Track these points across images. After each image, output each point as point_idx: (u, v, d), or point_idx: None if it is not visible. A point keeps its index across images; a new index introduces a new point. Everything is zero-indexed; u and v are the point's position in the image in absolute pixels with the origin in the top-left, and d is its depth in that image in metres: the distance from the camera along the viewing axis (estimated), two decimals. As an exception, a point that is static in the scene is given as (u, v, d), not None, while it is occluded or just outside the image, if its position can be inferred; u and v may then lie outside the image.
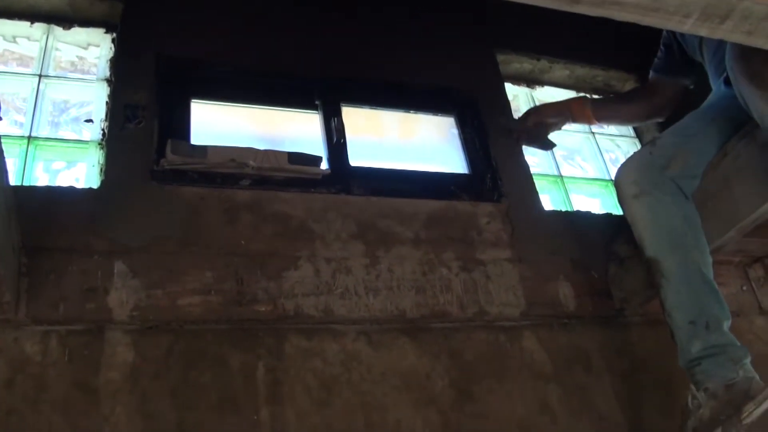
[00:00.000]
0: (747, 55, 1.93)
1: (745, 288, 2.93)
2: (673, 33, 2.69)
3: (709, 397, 2.00)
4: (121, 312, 2.04)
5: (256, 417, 1.99)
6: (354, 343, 2.23)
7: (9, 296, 1.86)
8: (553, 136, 2.97)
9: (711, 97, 2.52)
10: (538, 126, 2.93)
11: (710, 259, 2.22)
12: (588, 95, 3.21)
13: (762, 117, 2.02)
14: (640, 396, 2.49)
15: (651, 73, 2.89)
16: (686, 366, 2.11)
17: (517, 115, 3.16)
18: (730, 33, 1.54)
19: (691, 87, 2.82)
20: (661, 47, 2.80)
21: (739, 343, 2.08)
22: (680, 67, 2.76)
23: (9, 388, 1.86)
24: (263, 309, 2.17)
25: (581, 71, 3.52)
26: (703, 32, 1.52)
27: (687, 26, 1.48)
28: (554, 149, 3.09)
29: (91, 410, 1.89)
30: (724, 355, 2.04)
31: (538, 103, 3.45)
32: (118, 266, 2.11)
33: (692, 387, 2.07)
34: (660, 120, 2.99)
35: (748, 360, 2.04)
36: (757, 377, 2.00)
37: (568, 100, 3.01)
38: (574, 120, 2.95)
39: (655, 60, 2.84)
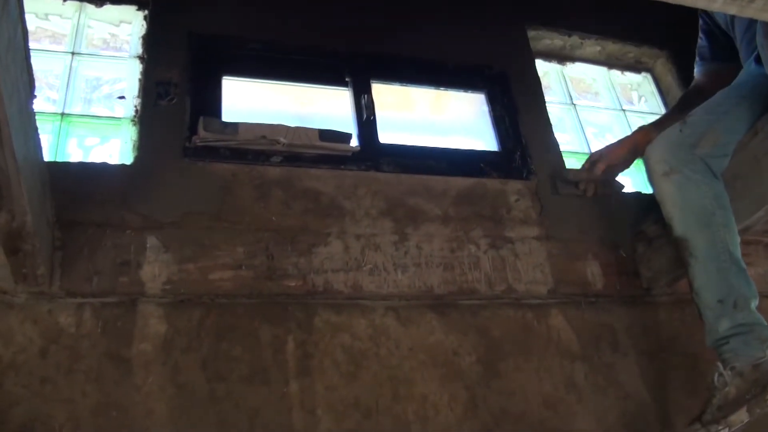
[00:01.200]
0: (779, 33, 1.91)
1: (774, 268, 2.91)
2: (709, 16, 2.65)
3: (736, 375, 2.01)
4: (153, 285, 2.08)
5: (285, 389, 2.04)
6: (382, 319, 2.25)
7: (43, 269, 1.90)
8: (582, 112, 2.93)
9: (742, 75, 2.49)
10: (607, 172, 2.77)
11: (738, 239, 2.21)
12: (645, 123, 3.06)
13: None
14: (666, 375, 2.50)
15: (700, 64, 2.82)
16: (714, 345, 2.12)
17: (547, 93, 3.15)
18: (761, 11, 1.53)
19: (732, 65, 2.75)
20: (702, 36, 2.75)
21: (767, 323, 2.07)
22: (730, 51, 2.70)
23: (43, 357, 1.92)
24: (293, 284, 2.20)
25: (613, 47, 3.49)
26: (733, 11, 1.51)
27: (717, 5, 1.47)
28: (585, 128, 3.07)
29: (123, 380, 1.94)
30: (752, 334, 2.04)
31: (569, 81, 3.43)
32: (151, 240, 2.15)
33: (719, 365, 2.07)
34: None
35: None
36: None
37: (631, 136, 2.81)
38: (636, 155, 2.76)
39: (699, 50, 2.78)
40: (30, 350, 1.92)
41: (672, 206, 2.29)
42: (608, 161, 2.72)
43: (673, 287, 2.60)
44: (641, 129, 2.80)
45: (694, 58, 2.86)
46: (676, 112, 2.75)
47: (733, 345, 2.05)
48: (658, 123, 2.77)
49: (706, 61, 2.80)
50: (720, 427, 2.02)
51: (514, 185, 2.71)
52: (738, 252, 2.18)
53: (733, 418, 2.00)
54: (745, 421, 2.00)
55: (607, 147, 2.78)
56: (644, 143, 2.58)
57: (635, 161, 2.78)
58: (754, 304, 2.10)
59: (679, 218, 2.26)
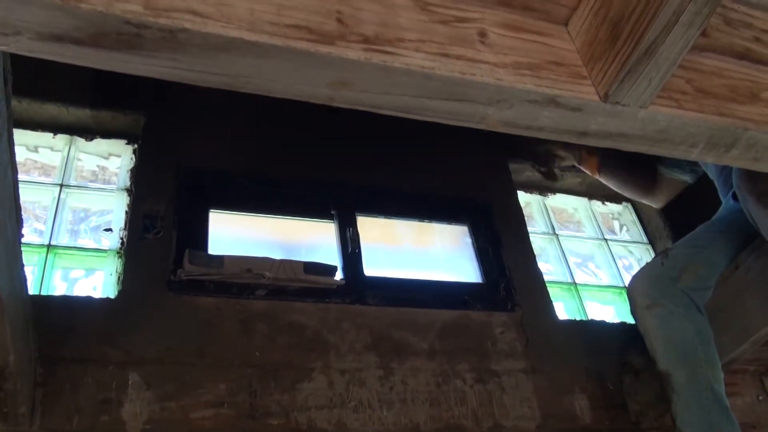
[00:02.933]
0: (754, 175, 1.97)
1: (761, 398, 2.90)
2: None
3: None
4: (134, 425, 2.04)
5: None
6: (367, 459, 2.21)
7: (24, 408, 1.87)
8: (564, 241, 2.98)
9: (721, 210, 2.56)
10: (548, 155, 2.97)
11: (722, 375, 2.21)
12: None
13: None
14: None
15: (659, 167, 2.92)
16: None
17: (529, 223, 3.20)
18: (736, 160, 1.58)
19: (691, 182, 2.84)
20: None
21: None
22: (681, 165, 2.78)
23: (22, 505, 1.85)
24: (276, 423, 2.16)
25: (592, 179, 3.56)
26: (710, 160, 1.56)
27: (694, 155, 1.52)
28: (568, 258, 3.10)
29: None
30: None
31: (551, 211, 3.49)
32: (133, 377, 2.12)
33: None
34: (654, 206, 2.99)
35: None
36: None
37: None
38: (580, 162, 2.96)
39: None
40: (6, 496, 1.86)
41: (655, 340, 2.30)
42: (550, 146, 3.01)
43: (661, 421, 2.57)
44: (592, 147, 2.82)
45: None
46: (624, 168, 3.01)
47: None
48: (607, 158, 3.00)
49: (660, 163, 2.88)
50: None
51: (498, 317, 2.71)
52: (721, 388, 2.18)
53: None
54: None
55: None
56: (586, 155, 2.97)
57: (571, 163, 3.09)
58: None
59: (661, 352, 2.27)
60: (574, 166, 3.07)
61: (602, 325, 2.94)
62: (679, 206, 3.24)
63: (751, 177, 2.04)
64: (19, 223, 1.77)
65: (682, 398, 2.18)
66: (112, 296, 2.31)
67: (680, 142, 1.50)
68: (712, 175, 2.61)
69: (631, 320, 2.83)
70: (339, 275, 2.61)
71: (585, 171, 3.02)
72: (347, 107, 1.17)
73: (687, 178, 2.81)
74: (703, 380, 2.17)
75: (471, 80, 1.18)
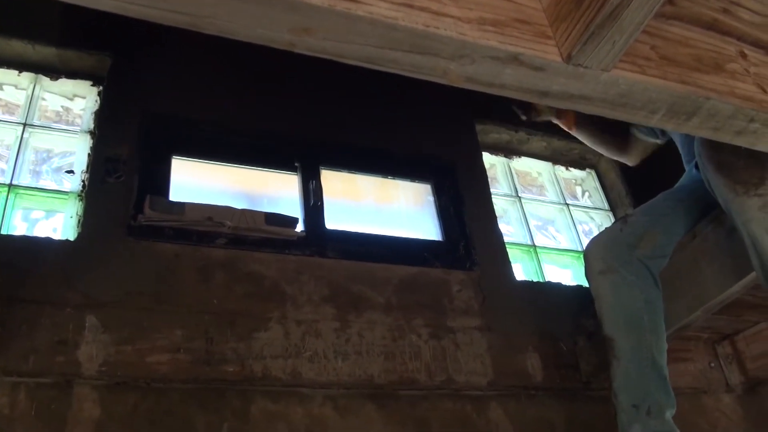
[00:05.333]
0: (714, 145, 1.99)
1: (713, 365, 2.96)
2: None
3: None
4: (90, 366, 2.04)
5: (217, 480, 1.99)
6: (320, 408, 2.23)
7: (-20, 347, 1.86)
8: (527, 204, 3.00)
9: (683, 179, 2.58)
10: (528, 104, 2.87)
11: (665, 346, 2.25)
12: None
13: (727, 203, 2.08)
14: (603, 471, 2.50)
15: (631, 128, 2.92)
16: None
17: (493, 185, 3.22)
18: (697, 129, 1.60)
19: (662, 143, 2.85)
20: None
21: None
22: (652, 130, 2.79)
23: (-26, 440, 1.85)
24: (231, 369, 2.17)
25: (558, 144, 3.60)
26: (669, 127, 1.58)
27: (654, 121, 1.54)
28: (529, 220, 3.13)
29: (55, 467, 1.88)
30: None
31: (515, 174, 3.51)
32: (90, 320, 2.11)
33: None
34: (629, 164, 2.99)
35: None
36: None
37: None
38: (558, 115, 2.91)
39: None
40: (-39, 432, 1.86)
41: (603, 304, 2.33)
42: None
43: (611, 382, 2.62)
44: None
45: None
46: (600, 126, 2.90)
47: None
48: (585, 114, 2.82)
49: (634, 126, 2.85)
50: None
51: (457, 275, 2.74)
52: (662, 360, 2.21)
53: None
54: None
55: None
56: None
57: (550, 115, 2.91)
58: (670, 413, 2.13)
59: (608, 318, 2.30)
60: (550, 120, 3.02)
61: (558, 287, 2.98)
62: (642, 174, 3.28)
63: (711, 146, 2.06)
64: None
65: (622, 363, 2.21)
66: (71, 239, 2.30)
67: (641, 107, 1.51)
68: (678, 143, 2.63)
69: (586, 284, 2.89)
70: (300, 227, 2.62)
71: (561, 125, 2.98)
72: (310, 54, 1.17)
73: (658, 140, 2.81)
74: (645, 349, 2.21)
75: (434, 33, 1.18)
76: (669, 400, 2.14)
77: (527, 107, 2.85)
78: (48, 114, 2.79)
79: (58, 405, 1.97)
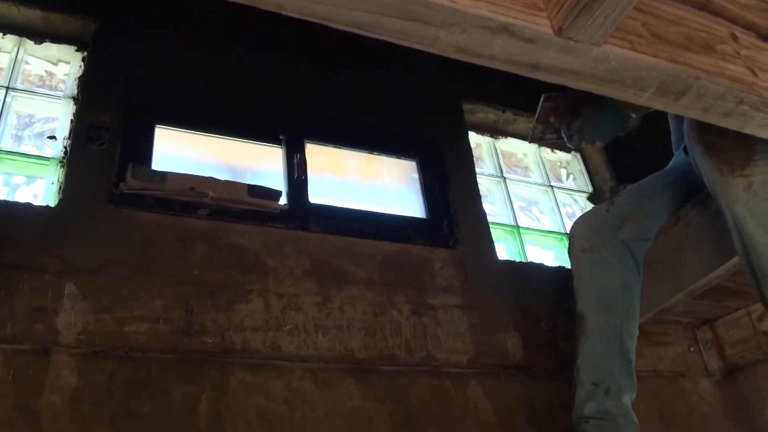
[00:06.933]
0: (702, 125, 1.99)
1: (692, 349, 2.98)
2: None
3: None
4: (68, 334, 2.02)
5: (195, 451, 1.98)
6: (299, 381, 2.22)
7: (-44, 310, 1.84)
8: (511, 185, 2.99)
9: (671, 163, 2.59)
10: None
11: (636, 332, 2.27)
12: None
13: (712, 184, 2.08)
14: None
15: None
16: (576, 421, 2.17)
17: (478, 164, 3.22)
18: (686, 109, 1.60)
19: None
20: None
21: (635, 421, 2.13)
22: None
23: (-50, 405, 1.83)
24: (211, 341, 2.16)
25: (544, 125, 3.58)
26: (658, 106, 1.57)
27: (643, 99, 1.53)
28: (513, 201, 3.13)
29: (31, 433, 1.86)
30: (613, 425, 2.08)
31: (500, 154, 3.51)
32: (69, 287, 2.09)
33: None
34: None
35: None
36: None
37: None
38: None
39: None
40: (-66, 396, 1.84)
41: (581, 282, 2.34)
42: None
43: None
44: None
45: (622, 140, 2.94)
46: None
47: (592, 426, 2.10)
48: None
49: None
50: None
51: (439, 253, 2.73)
52: (631, 345, 2.23)
53: None
54: None
55: None
56: None
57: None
58: (629, 397, 2.16)
59: (583, 295, 2.32)
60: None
61: (540, 267, 2.99)
62: (626, 158, 3.29)
63: (699, 127, 2.06)
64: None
65: (589, 341, 2.23)
66: (52, 205, 2.28)
67: (631, 84, 1.50)
68: (670, 125, 2.63)
69: (569, 265, 2.89)
70: (283, 200, 2.60)
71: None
72: (297, 17, 1.15)
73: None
74: (614, 330, 2.22)
75: (425, 0, 1.16)
76: (630, 385, 2.16)
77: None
78: (31, 78, 2.76)
79: (36, 371, 1.95)
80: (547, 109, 2.58)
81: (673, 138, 2.66)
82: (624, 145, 3.05)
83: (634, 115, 2.45)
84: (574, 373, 2.23)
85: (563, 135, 2.57)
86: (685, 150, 2.40)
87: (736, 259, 2.17)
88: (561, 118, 2.56)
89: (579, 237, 2.39)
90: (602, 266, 2.28)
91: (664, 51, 1.50)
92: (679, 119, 2.51)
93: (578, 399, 2.18)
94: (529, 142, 2.91)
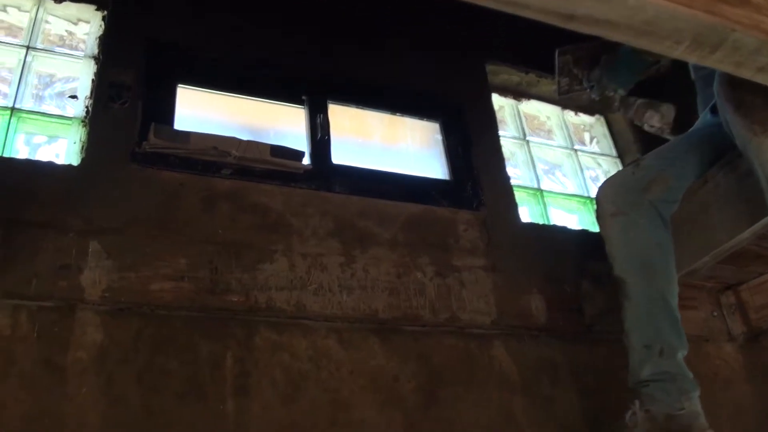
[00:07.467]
0: (734, 82, 1.95)
1: (715, 314, 2.95)
2: None
3: (649, 419, 2.02)
4: (93, 292, 2.02)
5: (221, 407, 1.98)
6: (324, 340, 2.22)
7: (-20, 268, 1.84)
8: (534, 148, 2.96)
9: (697, 124, 2.55)
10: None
11: (677, 289, 2.23)
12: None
13: (744, 144, 2.04)
14: (603, 411, 2.49)
15: None
16: (634, 387, 2.13)
17: (501, 127, 3.19)
18: (720, 63, 1.56)
19: None
20: None
21: (690, 376, 2.09)
22: None
23: (-26, 360, 1.84)
24: (236, 299, 2.16)
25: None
26: (693, 59, 1.54)
27: (678, 52, 1.50)
28: (537, 164, 3.11)
29: (57, 388, 1.87)
30: (673, 384, 2.05)
31: (523, 117, 3.47)
32: (93, 246, 2.09)
33: (636, 403, 2.08)
34: None
35: (696, 393, 2.06)
36: (703, 417, 2.02)
37: None
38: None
39: None
40: (-40, 351, 1.84)
41: (615, 246, 2.31)
42: None
43: (614, 326, 2.60)
44: None
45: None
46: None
47: (653, 389, 2.06)
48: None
49: None
50: None
51: (463, 215, 2.71)
52: (674, 302, 2.20)
53: None
54: None
55: None
56: None
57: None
58: (682, 354, 2.12)
59: (619, 259, 2.28)
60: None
61: (564, 230, 2.97)
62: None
63: (730, 85, 2.02)
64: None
65: (633, 303, 2.20)
66: (75, 164, 2.27)
67: (666, 36, 1.47)
68: (697, 84, 2.59)
69: (593, 229, 2.87)
70: (306, 161, 2.58)
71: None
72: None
73: None
74: (656, 290, 2.19)
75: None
76: (681, 342, 2.12)
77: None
78: (51, 38, 2.74)
79: (61, 328, 1.95)
80: (568, 62, 2.58)
81: (699, 99, 2.61)
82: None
83: (651, 60, 2.44)
84: (623, 339, 2.20)
85: (585, 85, 2.56)
86: (712, 110, 2.36)
87: (764, 221, 2.14)
88: (582, 69, 2.55)
89: (606, 202, 2.36)
90: (633, 228, 2.25)
91: (699, 1, 1.47)
92: (706, 80, 2.47)
93: (632, 364, 2.14)
94: (558, 97, 2.87)
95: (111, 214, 2.17)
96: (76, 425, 1.84)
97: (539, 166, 3.32)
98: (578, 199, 3.30)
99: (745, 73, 1.64)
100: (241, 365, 2.07)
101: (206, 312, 2.12)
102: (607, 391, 2.54)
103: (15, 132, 2.40)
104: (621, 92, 2.57)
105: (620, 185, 2.39)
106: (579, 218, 3.24)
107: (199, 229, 2.26)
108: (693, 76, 2.62)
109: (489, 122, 3.13)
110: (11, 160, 2.22)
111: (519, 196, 3.00)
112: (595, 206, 2.45)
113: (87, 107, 2.44)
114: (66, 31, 2.75)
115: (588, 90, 2.61)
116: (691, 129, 2.57)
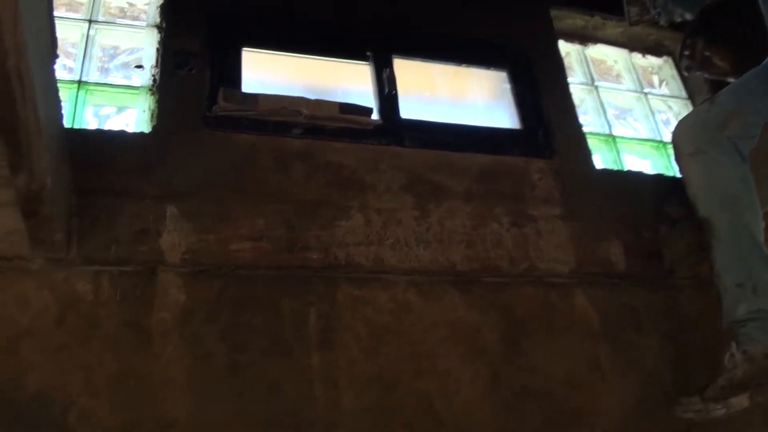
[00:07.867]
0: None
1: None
2: None
3: (747, 359, 1.96)
4: (173, 254, 2.05)
5: (307, 362, 2.00)
6: (404, 294, 2.22)
7: (60, 235, 1.87)
8: (603, 93, 2.89)
9: (768, 60, 2.45)
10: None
11: (762, 224, 2.16)
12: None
13: None
14: (687, 357, 2.46)
15: None
16: (729, 327, 2.06)
17: (568, 73, 3.11)
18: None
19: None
20: None
21: None
22: None
23: (60, 325, 1.89)
24: (315, 257, 2.17)
25: (634, 29, 3.43)
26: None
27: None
28: (607, 110, 3.05)
29: (141, 349, 1.91)
30: None
31: (590, 62, 3.39)
32: (170, 210, 2.12)
33: (733, 344, 2.02)
34: None
35: None
36: None
37: None
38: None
39: None
40: (46, 317, 1.89)
41: (697, 187, 2.24)
42: None
43: (695, 269, 2.55)
44: None
45: (716, 42, 2.79)
46: None
47: (750, 329, 2.00)
48: None
49: None
50: (719, 407, 1.99)
51: (536, 164, 2.67)
52: (761, 237, 2.13)
53: (734, 400, 1.98)
54: (744, 406, 1.99)
55: None
56: None
57: None
58: None
59: (703, 199, 2.21)
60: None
61: (639, 176, 2.89)
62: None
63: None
64: (53, 44, 1.72)
65: (722, 244, 2.13)
66: (146, 131, 2.29)
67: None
68: (766, 19, 2.49)
69: (668, 173, 2.80)
70: (375, 117, 2.56)
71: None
72: None
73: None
74: (744, 227, 2.12)
75: None
76: None
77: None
78: (112, 10, 2.76)
79: (143, 291, 2.00)
80: None
81: None
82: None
83: None
84: (714, 281, 2.14)
85: (652, 12, 2.50)
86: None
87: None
88: None
89: (684, 142, 2.29)
90: (714, 165, 2.18)
91: None
92: None
93: (726, 305, 2.07)
94: (630, 25, 2.79)
95: (186, 179, 2.19)
96: (161, 384, 1.89)
97: (609, 112, 3.24)
98: (651, 143, 3.22)
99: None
100: (325, 320, 2.09)
101: (286, 270, 2.14)
102: (690, 336, 2.52)
103: (84, 105, 2.44)
104: (688, 16, 2.50)
105: (696, 124, 2.31)
106: (652, 163, 3.16)
107: (274, 189, 2.27)
108: (762, 9, 2.52)
109: (557, 69, 3.07)
110: (83, 132, 2.25)
111: (591, 143, 2.92)
112: (672, 148, 2.37)
113: (154, 76, 2.45)
114: (126, 2, 2.77)
115: (656, 17, 2.55)
116: (763, 63, 2.47)
